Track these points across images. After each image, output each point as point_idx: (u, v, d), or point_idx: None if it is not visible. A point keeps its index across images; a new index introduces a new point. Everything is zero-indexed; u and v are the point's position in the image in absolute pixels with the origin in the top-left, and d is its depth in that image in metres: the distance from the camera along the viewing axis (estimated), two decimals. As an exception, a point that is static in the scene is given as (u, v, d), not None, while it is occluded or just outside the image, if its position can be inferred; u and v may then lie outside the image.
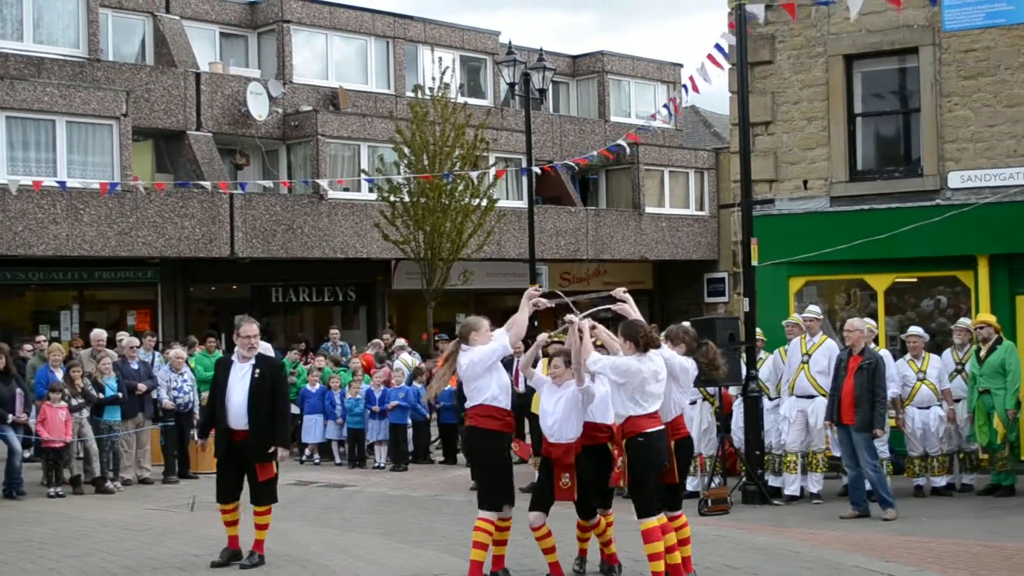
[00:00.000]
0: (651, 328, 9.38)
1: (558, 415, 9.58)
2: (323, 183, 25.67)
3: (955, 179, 16.10)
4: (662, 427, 9.21)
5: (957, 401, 14.48)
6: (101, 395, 16.06)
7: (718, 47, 15.48)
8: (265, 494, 10.69)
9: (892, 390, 14.21)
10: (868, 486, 13.08)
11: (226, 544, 10.75)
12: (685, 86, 16.37)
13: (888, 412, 14.11)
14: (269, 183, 25.52)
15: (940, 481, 14.36)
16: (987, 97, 15.98)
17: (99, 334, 17.55)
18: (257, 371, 10.59)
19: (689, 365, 9.70)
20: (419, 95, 26.10)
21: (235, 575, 10.44)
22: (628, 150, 21.01)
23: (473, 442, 9.82)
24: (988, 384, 14.11)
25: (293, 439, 20.15)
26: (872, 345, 14.15)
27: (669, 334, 9.75)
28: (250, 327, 10.75)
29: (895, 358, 14.69)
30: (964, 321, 14.94)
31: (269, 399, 10.57)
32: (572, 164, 22.73)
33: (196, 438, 12.41)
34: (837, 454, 13.88)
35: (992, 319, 14.53)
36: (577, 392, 9.49)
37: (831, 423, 13.33)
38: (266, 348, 19.62)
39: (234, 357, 10.81)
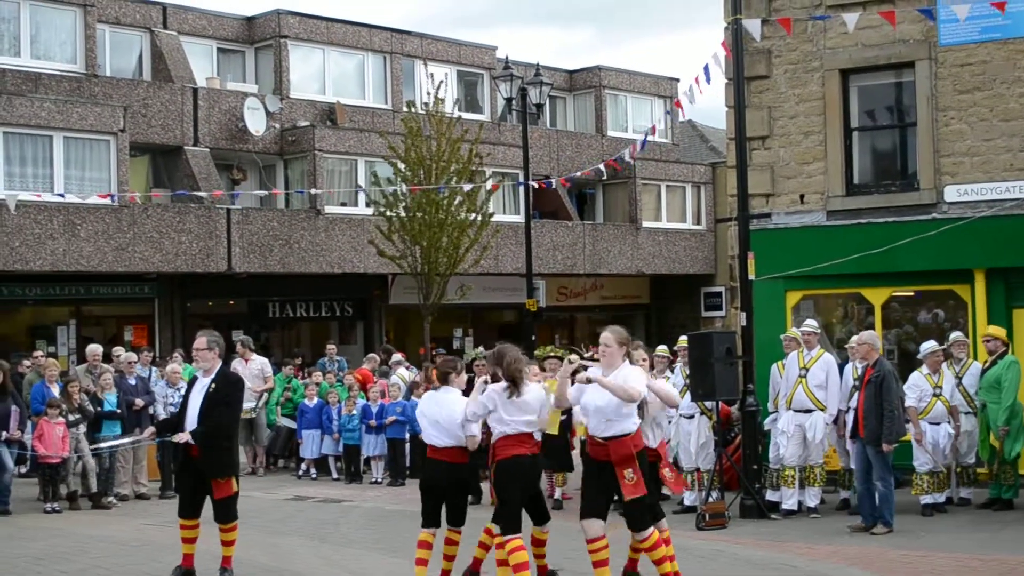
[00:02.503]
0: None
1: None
2: (314, 192, 25.73)
3: (951, 193, 16.09)
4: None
5: (965, 415, 14.40)
6: (99, 408, 16.04)
7: (709, 66, 15.54)
8: (226, 512, 10.56)
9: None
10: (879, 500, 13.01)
11: (180, 562, 10.61)
12: (675, 106, 16.44)
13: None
14: (264, 192, 25.52)
15: (939, 497, 14.20)
16: (983, 111, 15.99)
17: (95, 349, 17.53)
18: (212, 386, 10.54)
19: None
20: (411, 110, 26.09)
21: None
22: (618, 165, 21.06)
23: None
24: (985, 398, 14.11)
25: (291, 454, 20.14)
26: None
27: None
28: (198, 340, 10.74)
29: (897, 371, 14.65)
30: (957, 335, 14.91)
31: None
32: (563, 183, 22.75)
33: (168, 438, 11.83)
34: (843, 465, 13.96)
35: (999, 332, 14.50)
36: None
37: (851, 438, 13.35)
38: (263, 363, 19.88)
39: (198, 372, 10.87)
